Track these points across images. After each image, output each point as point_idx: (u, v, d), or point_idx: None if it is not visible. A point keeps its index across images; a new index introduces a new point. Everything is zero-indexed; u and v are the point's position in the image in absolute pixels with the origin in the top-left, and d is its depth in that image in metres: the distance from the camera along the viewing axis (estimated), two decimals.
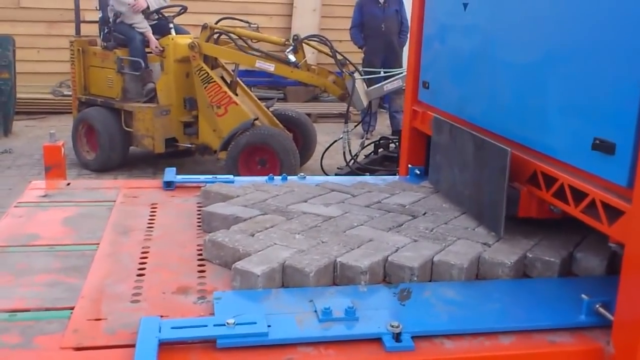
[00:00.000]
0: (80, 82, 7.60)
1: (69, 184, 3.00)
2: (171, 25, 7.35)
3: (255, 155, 6.68)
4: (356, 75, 6.73)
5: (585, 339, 1.75)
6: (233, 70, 7.29)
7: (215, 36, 7.02)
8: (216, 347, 1.60)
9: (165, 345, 1.57)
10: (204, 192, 2.77)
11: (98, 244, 2.28)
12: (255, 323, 1.67)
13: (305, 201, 2.66)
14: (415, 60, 3.32)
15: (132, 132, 7.18)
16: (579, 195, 1.94)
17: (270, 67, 6.76)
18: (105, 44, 7.48)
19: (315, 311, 1.78)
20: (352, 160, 6.51)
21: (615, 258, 2.03)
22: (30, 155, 7.87)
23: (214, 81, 6.84)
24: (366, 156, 6.96)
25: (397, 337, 1.66)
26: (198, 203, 2.79)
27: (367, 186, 2.94)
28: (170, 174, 3.05)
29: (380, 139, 7.26)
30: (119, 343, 1.62)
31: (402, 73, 6.57)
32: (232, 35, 6.99)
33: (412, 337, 1.67)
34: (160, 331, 1.60)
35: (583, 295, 1.83)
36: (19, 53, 9.37)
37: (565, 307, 1.87)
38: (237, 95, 7.11)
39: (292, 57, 6.67)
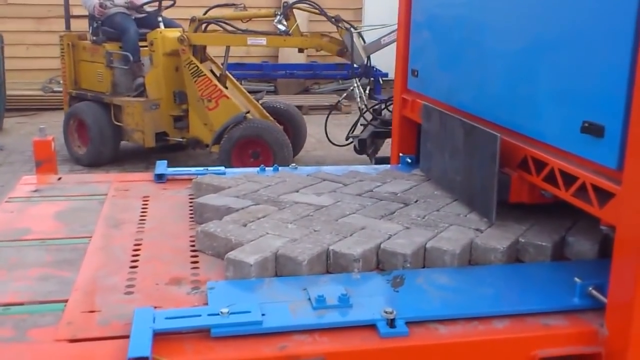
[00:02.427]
0: (71, 77, 7.57)
1: (60, 179, 2.99)
2: (160, 19, 7.31)
3: (248, 148, 6.64)
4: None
5: (578, 321, 1.76)
6: (222, 64, 7.26)
7: (203, 26, 6.99)
8: (210, 337, 1.60)
9: (159, 336, 1.57)
10: (196, 184, 2.77)
11: (90, 237, 2.28)
12: (249, 312, 1.67)
13: (297, 191, 2.66)
14: (404, 49, 3.31)
15: (122, 127, 7.16)
16: (569, 179, 1.94)
17: (262, 41, 6.73)
18: (94, 38, 7.41)
19: (309, 299, 1.78)
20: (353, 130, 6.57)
21: (607, 241, 2.04)
22: (22, 152, 7.81)
23: (204, 75, 6.80)
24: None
25: (391, 323, 1.67)
26: (190, 195, 2.79)
27: (358, 175, 2.94)
28: (161, 166, 3.04)
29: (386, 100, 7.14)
30: (113, 334, 1.62)
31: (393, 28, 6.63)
32: (220, 22, 6.95)
33: (406, 323, 1.68)
34: (154, 322, 1.60)
35: (576, 279, 1.84)
36: (8, 50, 9.30)
37: (559, 290, 1.88)
38: (227, 88, 7.07)
39: (281, 27, 6.63)
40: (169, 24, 7.40)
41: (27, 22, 10.98)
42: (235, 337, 1.62)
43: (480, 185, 2.34)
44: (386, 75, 11.78)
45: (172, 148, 7.44)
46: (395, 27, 6.91)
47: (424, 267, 2.08)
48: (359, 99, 6.67)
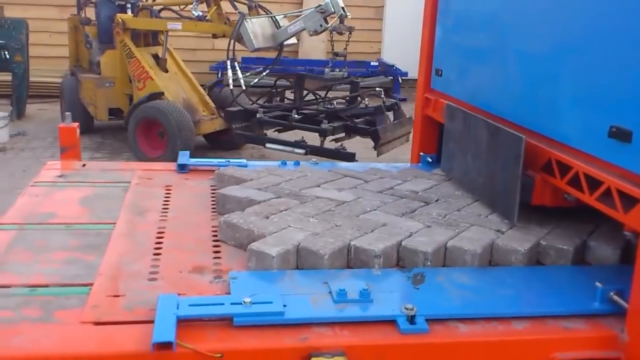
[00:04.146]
0: (73, 55, 8.50)
1: (84, 165, 3.03)
2: (129, 5, 7.79)
3: (155, 127, 6.92)
4: (254, 19, 6.90)
5: (599, 326, 1.76)
6: (168, 49, 7.64)
7: (141, 13, 7.55)
8: (233, 325, 1.63)
9: (182, 322, 1.59)
10: (218, 175, 2.79)
11: (114, 223, 2.31)
12: (271, 302, 1.69)
13: (318, 186, 2.68)
14: (428, 48, 3.31)
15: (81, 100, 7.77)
16: (594, 183, 1.94)
17: (177, 26, 7.22)
18: (81, 19, 8.19)
19: (330, 292, 1.80)
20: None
21: (629, 247, 2.04)
22: (43, 138, 7.92)
23: (135, 56, 7.29)
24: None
25: (411, 319, 1.68)
26: (212, 186, 2.81)
27: (379, 172, 2.95)
28: (184, 157, 3.07)
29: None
30: (137, 319, 1.64)
31: (303, 14, 6.78)
32: (147, 8, 7.57)
33: (427, 320, 1.69)
34: (178, 308, 1.63)
35: (597, 283, 1.84)
36: (31, 37, 9.39)
37: (579, 294, 1.88)
38: (167, 72, 7.50)
39: (195, 12, 7.08)
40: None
41: (51, 10, 11.09)
42: (256, 326, 1.64)
43: (502, 186, 2.33)
44: (406, 74, 11.78)
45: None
46: (304, 14, 7.03)
47: (444, 265, 2.09)
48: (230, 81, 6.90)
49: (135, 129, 7.02)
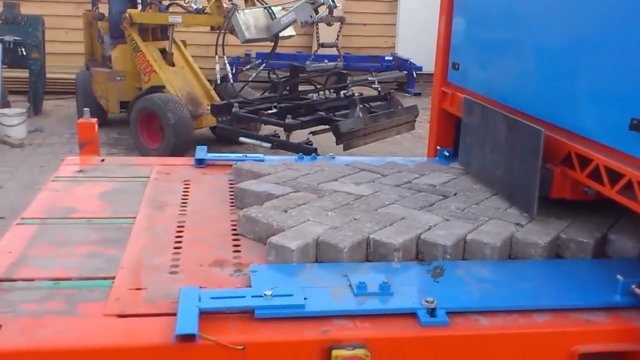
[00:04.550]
0: (88, 50, 8.75)
1: (103, 160, 3.05)
2: (139, 1, 7.83)
3: (155, 121, 7.00)
4: (247, 10, 6.93)
5: (620, 318, 1.75)
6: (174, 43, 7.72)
7: (148, 7, 7.68)
8: (254, 318, 1.64)
9: (204, 315, 1.61)
10: (236, 170, 2.81)
11: (134, 217, 2.33)
12: (292, 295, 1.70)
13: (336, 180, 2.68)
14: (445, 42, 3.30)
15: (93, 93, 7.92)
16: (614, 176, 1.93)
17: (177, 19, 7.35)
18: (95, 15, 8.36)
19: (350, 285, 1.81)
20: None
21: None
22: (60, 134, 7.99)
23: (141, 50, 7.44)
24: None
25: (431, 312, 1.68)
26: (230, 180, 2.83)
27: (396, 166, 2.95)
28: (201, 152, 3.09)
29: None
30: (159, 311, 1.66)
31: (295, 5, 6.77)
32: (155, 3, 7.65)
33: (447, 313, 1.69)
34: (200, 301, 1.64)
35: (618, 276, 1.83)
36: (47, 34, 9.46)
37: (600, 287, 1.87)
38: (173, 66, 7.62)
39: (194, 5, 7.20)
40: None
41: (67, 7, 11.15)
42: (277, 319, 1.65)
43: (521, 180, 2.33)
44: (420, 68, 11.73)
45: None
46: (296, 5, 6.95)
47: (463, 259, 2.08)
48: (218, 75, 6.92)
49: (136, 122, 7.17)
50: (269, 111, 6.43)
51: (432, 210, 2.36)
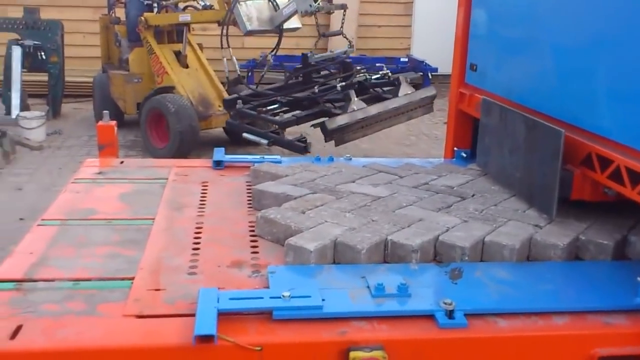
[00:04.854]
0: (105, 53, 8.87)
1: (122, 162, 3.08)
2: (155, 4, 7.90)
3: (163, 121, 7.03)
4: (249, 2, 6.84)
5: None
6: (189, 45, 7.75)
7: (163, 10, 7.75)
8: (272, 319, 1.64)
9: (223, 316, 1.61)
10: (254, 171, 2.82)
11: (153, 219, 2.35)
12: (309, 296, 1.70)
13: (353, 181, 2.68)
14: (463, 43, 3.29)
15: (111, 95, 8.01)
16: (636, 177, 1.91)
17: (187, 17, 7.44)
18: (112, 18, 8.47)
19: (368, 287, 1.81)
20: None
21: None
22: (78, 137, 8.06)
23: (154, 52, 7.53)
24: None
25: (450, 314, 1.68)
26: (247, 182, 2.84)
27: (413, 168, 2.94)
28: (219, 153, 3.10)
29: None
30: (178, 312, 1.67)
31: None
32: (169, 6, 7.71)
33: (465, 315, 1.68)
34: (218, 302, 1.65)
35: (638, 278, 1.81)
36: (66, 38, 9.56)
37: (620, 289, 1.85)
38: (187, 67, 7.68)
39: (202, 2, 7.30)
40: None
41: (84, 11, 11.26)
42: (295, 320, 1.65)
43: (540, 181, 2.31)
44: (436, 70, 11.69)
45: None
46: None
47: (481, 260, 2.07)
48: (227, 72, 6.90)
49: (145, 122, 7.26)
50: (269, 107, 6.34)
51: (450, 211, 2.35)
